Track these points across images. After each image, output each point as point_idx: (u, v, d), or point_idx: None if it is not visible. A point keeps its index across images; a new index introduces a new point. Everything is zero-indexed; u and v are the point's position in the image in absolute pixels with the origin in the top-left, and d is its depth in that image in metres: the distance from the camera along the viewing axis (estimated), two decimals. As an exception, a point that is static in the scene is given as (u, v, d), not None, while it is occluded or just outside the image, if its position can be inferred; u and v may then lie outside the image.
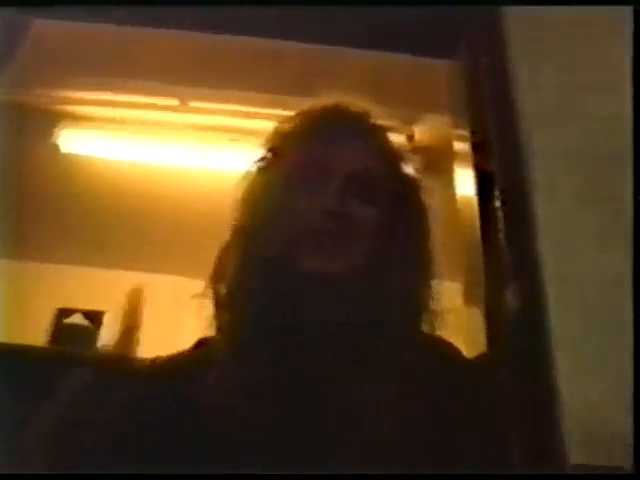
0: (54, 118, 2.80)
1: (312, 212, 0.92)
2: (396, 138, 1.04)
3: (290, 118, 1.03)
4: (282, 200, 0.95)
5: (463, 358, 0.99)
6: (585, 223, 1.24)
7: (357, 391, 0.85)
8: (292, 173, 0.97)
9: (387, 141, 1.03)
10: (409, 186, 1.01)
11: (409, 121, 2.34)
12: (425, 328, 0.94)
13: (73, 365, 0.87)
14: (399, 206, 0.97)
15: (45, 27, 1.81)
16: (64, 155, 2.97)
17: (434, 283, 0.96)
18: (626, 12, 1.34)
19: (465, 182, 1.48)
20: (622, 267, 1.16)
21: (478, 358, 1.09)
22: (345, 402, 0.85)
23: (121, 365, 0.91)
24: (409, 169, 1.03)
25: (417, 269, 0.96)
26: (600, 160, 1.29)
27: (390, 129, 1.03)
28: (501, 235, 1.19)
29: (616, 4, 1.37)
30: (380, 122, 1.03)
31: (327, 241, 0.90)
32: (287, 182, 0.96)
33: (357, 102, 1.02)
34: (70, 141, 2.89)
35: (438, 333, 0.95)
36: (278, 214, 0.94)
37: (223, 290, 0.94)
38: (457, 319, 1.04)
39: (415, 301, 0.94)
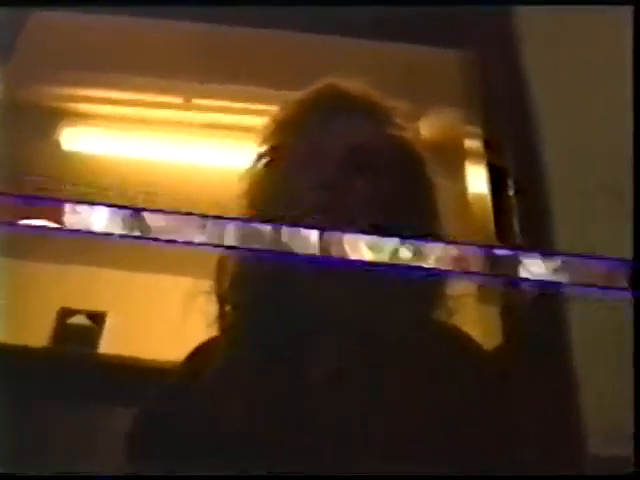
0: (56, 116, 2.78)
1: (309, 189, 0.89)
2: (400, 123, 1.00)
3: (284, 107, 1.01)
4: (281, 188, 0.93)
5: (481, 349, 0.95)
6: (600, 217, 1.22)
7: (365, 386, 0.82)
8: (291, 161, 0.95)
9: (389, 115, 0.99)
10: (415, 161, 0.98)
11: (413, 116, 2.32)
12: (438, 314, 0.90)
13: (76, 365, 0.88)
14: (404, 181, 0.94)
15: (45, 21, 1.78)
16: (66, 153, 2.95)
17: None
18: (626, 12, 1.33)
19: (475, 178, 1.46)
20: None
21: (495, 350, 1.06)
22: (355, 398, 0.82)
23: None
24: (414, 144, 0.99)
25: None
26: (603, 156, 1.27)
27: (392, 109, 1.00)
28: (515, 229, 1.17)
29: (616, 4, 1.36)
30: (381, 100, 1.00)
31: (326, 215, 0.87)
32: (286, 171, 0.95)
33: (354, 82, 0.99)
34: (72, 139, 2.87)
35: (453, 321, 0.91)
36: (277, 200, 0.92)
37: (225, 285, 0.93)
38: (470, 314, 1.01)
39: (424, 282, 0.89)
